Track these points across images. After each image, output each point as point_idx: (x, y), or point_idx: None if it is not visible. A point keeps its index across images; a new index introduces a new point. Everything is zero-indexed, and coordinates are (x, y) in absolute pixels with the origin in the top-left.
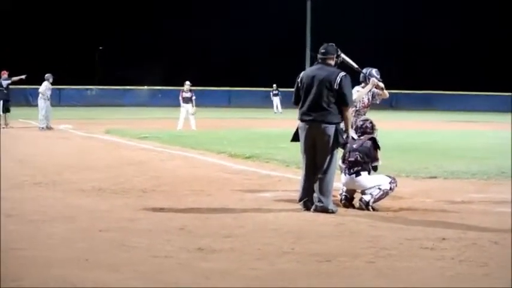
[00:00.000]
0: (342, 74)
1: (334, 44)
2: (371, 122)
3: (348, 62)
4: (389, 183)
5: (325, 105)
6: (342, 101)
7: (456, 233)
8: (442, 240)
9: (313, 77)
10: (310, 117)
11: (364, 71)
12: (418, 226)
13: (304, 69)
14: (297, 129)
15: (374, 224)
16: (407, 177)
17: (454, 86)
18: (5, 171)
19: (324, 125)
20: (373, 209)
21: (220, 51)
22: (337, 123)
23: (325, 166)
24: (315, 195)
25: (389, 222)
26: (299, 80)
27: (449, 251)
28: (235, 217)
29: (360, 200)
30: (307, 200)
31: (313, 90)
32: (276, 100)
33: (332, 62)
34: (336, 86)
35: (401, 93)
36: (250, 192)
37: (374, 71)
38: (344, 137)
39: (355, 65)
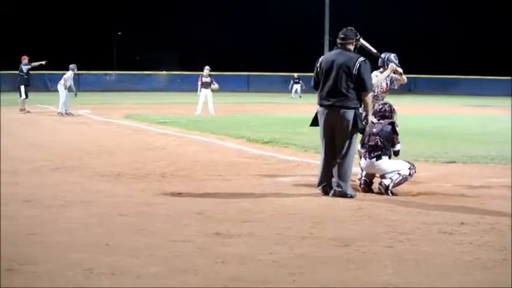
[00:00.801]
0: (361, 59)
1: (353, 28)
2: (390, 106)
3: (366, 47)
4: (409, 168)
5: (344, 90)
6: (361, 86)
7: (475, 217)
8: (460, 224)
9: (332, 62)
10: (329, 102)
11: (382, 55)
12: (436, 211)
13: (322, 52)
14: (316, 114)
15: (393, 208)
16: (426, 162)
17: (473, 70)
18: (23, 156)
19: (342, 110)
20: (392, 194)
21: (238, 36)
22: (356, 108)
23: (344, 151)
24: (334, 179)
25: (408, 207)
26: (318, 64)
27: (468, 235)
28: (253, 202)
29: (380, 184)
30: (326, 185)
31: (332, 75)
32: (297, 86)
33: (351, 47)
34: (355, 71)
35: (419, 77)
36: (269, 177)
37: (392, 56)
38: (363, 122)
39: (374, 50)
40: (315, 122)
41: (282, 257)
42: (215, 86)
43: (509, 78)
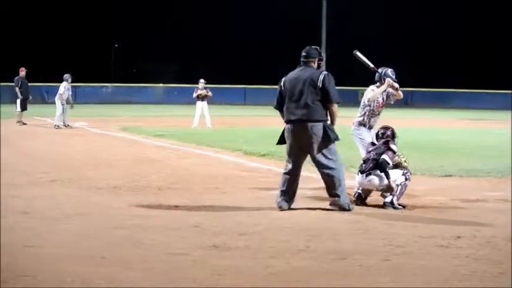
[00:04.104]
0: (325, 72)
1: (318, 48)
2: (392, 130)
3: (364, 61)
4: (403, 174)
5: (309, 102)
6: (327, 97)
7: (471, 231)
8: (457, 238)
9: (296, 78)
10: (296, 117)
11: (379, 70)
12: (433, 224)
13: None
14: (283, 132)
15: (389, 221)
16: (422, 175)
17: (469, 83)
18: (21, 168)
19: (310, 124)
20: (402, 206)
21: (235, 49)
22: (324, 121)
23: (326, 161)
24: (330, 191)
25: (405, 220)
26: (282, 83)
27: (464, 249)
28: (250, 215)
29: (384, 204)
30: (284, 200)
31: (298, 90)
32: None
33: (314, 65)
34: (319, 84)
35: (416, 90)
36: (265, 190)
37: (389, 71)
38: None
39: (371, 65)
40: (281, 140)
41: (278, 270)
42: (209, 93)
43: (506, 92)
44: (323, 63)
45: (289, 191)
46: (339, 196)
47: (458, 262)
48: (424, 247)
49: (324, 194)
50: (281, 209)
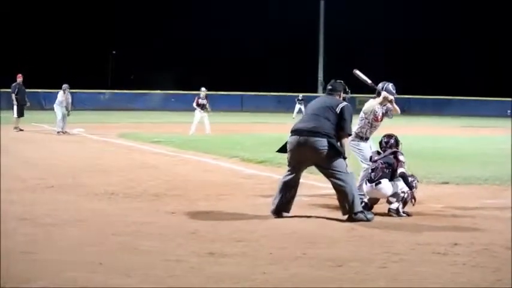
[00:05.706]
0: (346, 103)
1: (342, 82)
2: (395, 138)
3: (363, 79)
4: (410, 182)
5: (318, 118)
6: (341, 125)
7: (468, 238)
8: (454, 245)
9: (316, 102)
10: (300, 128)
11: (380, 85)
12: (430, 231)
13: (316, 73)
14: (286, 143)
15: (386, 229)
16: (419, 183)
17: (466, 91)
18: (18, 174)
19: (313, 139)
20: (407, 214)
21: (232, 55)
22: (328, 137)
23: (334, 176)
24: (344, 208)
25: (402, 228)
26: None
27: (461, 256)
28: (247, 222)
29: (389, 210)
30: (280, 210)
31: (313, 108)
32: (300, 106)
33: (339, 98)
34: (337, 110)
35: (413, 98)
36: (263, 196)
37: (390, 86)
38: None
39: (369, 81)
40: (282, 149)
41: (275, 277)
42: (208, 109)
43: (503, 99)
44: (348, 97)
45: (286, 198)
46: (355, 214)
47: (456, 269)
48: (421, 254)
49: (321, 201)
50: (275, 215)
